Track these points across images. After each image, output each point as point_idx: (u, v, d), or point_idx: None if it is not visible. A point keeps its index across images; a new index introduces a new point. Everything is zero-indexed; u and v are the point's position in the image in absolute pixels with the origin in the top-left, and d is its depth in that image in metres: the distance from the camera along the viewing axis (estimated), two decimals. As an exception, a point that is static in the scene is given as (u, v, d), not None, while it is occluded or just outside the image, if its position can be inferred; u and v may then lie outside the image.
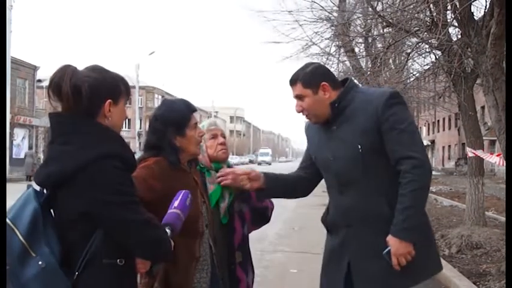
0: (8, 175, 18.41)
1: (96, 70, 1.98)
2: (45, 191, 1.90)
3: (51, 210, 1.90)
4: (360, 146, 2.44)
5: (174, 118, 2.47)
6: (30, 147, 33.29)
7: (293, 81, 2.58)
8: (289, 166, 37.85)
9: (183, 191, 2.17)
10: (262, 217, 3.06)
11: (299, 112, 2.59)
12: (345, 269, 2.52)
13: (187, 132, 2.47)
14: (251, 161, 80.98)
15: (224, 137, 2.95)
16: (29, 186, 1.92)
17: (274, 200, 3.02)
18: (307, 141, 2.81)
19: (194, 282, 2.39)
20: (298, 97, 2.57)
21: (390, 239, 2.37)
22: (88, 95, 1.88)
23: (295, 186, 2.81)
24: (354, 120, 2.48)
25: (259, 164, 74.43)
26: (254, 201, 2.95)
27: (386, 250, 2.38)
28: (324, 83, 2.53)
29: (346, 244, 2.53)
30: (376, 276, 2.44)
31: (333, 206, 2.65)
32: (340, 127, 2.52)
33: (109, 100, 1.94)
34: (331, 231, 2.67)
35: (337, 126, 2.53)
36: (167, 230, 2.00)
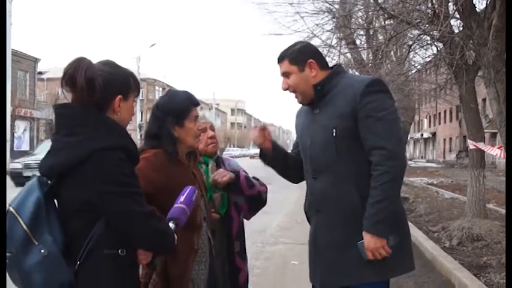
0: (8, 168, 18.41)
1: (109, 65, 2.01)
2: (49, 181, 1.92)
3: (55, 200, 1.92)
4: (334, 130, 2.39)
5: (174, 108, 2.47)
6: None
7: (281, 58, 2.55)
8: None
9: (190, 186, 2.19)
10: (259, 202, 2.98)
11: (285, 90, 2.56)
12: (317, 256, 2.50)
13: (187, 123, 2.47)
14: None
15: (213, 130, 2.94)
16: (33, 176, 1.94)
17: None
18: (296, 131, 2.77)
19: (193, 274, 2.40)
20: (285, 74, 2.54)
21: (364, 233, 2.32)
22: (101, 89, 1.90)
23: (295, 165, 2.71)
24: (334, 104, 2.44)
25: (252, 157, 70.24)
26: (245, 191, 2.86)
27: (361, 242, 2.33)
28: (311, 60, 2.49)
29: (317, 231, 2.52)
30: (343, 267, 2.40)
31: (308, 193, 2.62)
32: (321, 111, 2.49)
33: (119, 96, 1.97)
34: (308, 220, 2.63)
35: (320, 110, 2.50)
36: (172, 224, 2.02)
